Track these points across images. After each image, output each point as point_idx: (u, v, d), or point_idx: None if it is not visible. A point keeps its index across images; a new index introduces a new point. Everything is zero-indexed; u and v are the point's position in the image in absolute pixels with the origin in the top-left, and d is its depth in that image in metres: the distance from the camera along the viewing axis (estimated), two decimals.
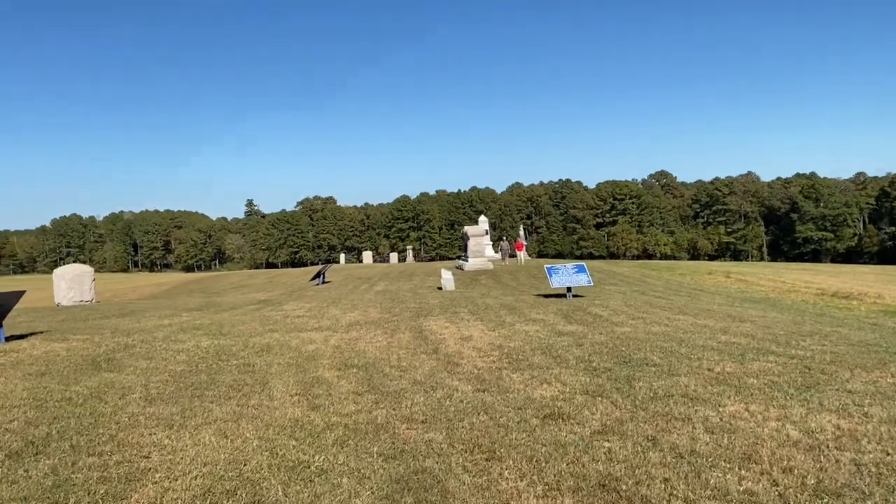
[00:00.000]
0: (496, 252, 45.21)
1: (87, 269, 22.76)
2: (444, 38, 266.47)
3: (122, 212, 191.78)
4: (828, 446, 5.45)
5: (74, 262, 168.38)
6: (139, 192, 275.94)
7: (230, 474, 4.95)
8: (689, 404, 6.86)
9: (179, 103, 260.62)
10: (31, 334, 12.52)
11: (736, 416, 6.39)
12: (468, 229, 34.95)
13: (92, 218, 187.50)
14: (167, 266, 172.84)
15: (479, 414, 6.60)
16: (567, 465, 5.15)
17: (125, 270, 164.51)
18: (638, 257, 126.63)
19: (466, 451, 5.48)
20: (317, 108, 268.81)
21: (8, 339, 11.50)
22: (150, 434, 5.90)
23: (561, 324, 13.17)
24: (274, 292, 27.63)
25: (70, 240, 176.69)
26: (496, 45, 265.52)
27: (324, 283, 30.27)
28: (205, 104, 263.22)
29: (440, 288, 24.04)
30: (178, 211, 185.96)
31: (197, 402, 7.09)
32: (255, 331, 13.18)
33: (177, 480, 4.80)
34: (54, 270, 22.67)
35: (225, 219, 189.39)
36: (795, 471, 4.93)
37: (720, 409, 6.63)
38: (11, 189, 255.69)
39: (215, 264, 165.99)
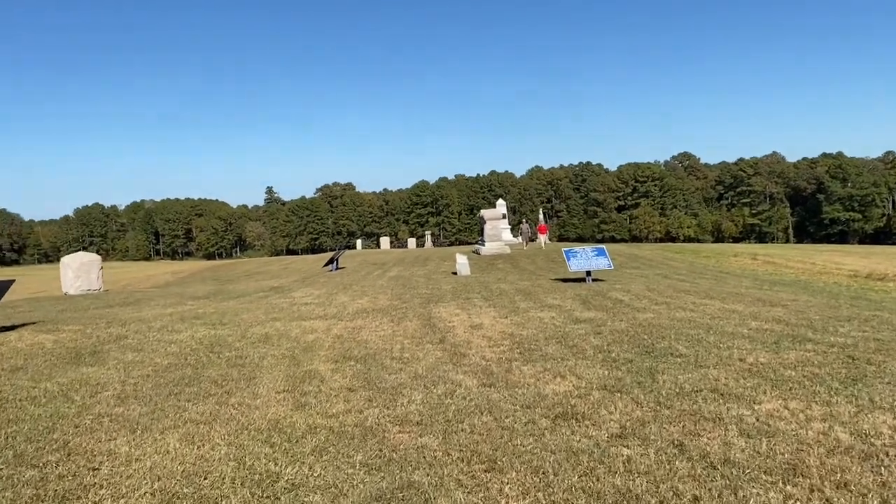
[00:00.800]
0: (516, 236, 43.45)
1: (94, 258, 22.29)
2: (461, 18, 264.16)
3: (143, 201, 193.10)
4: (887, 454, 4.64)
5: (97, 251, 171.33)
6: (160, 180, 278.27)
7: (186, 490, 4.27)
8: (720, 401, 6.08)
9: (198, 91, 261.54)
10: (24, 325, 12.00)
11: (774, 416, 5.59)
12: (485, 213, 34.09)
13: (114, 207, 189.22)
14: (188, 254, 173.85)
15: (482, 414, 5.87)
16: (579, 478, 4.40)
17: (147, 259, 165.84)
18: (661, 240, 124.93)
19: (463, 461, 4.74)
20: (335, 94, 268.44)
21: None
22: (108, 440, 5.24)
23: (578, 310, 12.38)
24: (287, 279, 27.10)
25: (93, 229, 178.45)
26: (515, 25, 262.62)
27: (337, 269, 29.69)
28: (224, 92, 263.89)
29: (455, 273, 23.33)
30: (199, 199, 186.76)
31: (172, 401, 6.44)
32: (256, 319, 12.56)
33: (120, 500, 4.12)
34: (61, 259, 22.27)
35: (245, 206, 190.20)
36: (852, 486, 4.14)
37: (755, 408, 5.84)
38: (35, 180, 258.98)
39: (236, 252, 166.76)
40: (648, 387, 6.68)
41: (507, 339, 9.64)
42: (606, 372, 7.35)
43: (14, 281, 11.51)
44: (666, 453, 4.77)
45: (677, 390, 6.52)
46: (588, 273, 18.67)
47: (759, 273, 30.82)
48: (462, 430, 5.42)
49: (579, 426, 5.50)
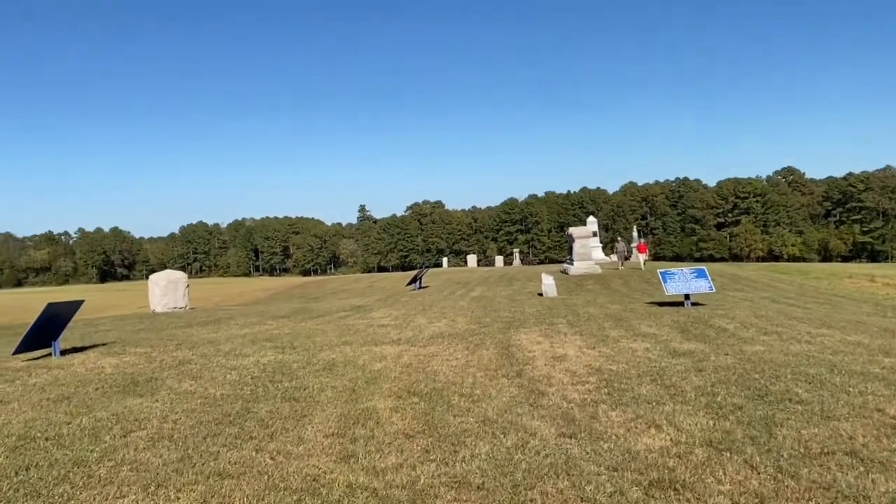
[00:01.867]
0: (610, 255, 41.30)
1: (180, 276, 22.61)
2: (556, 31, 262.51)
3: (244, 219, 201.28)
4: None
5: (200, 267, 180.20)
6: (260, 199, 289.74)
7: None
8: (861, 470, 4.81)
9: (294, 111, 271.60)
10: (94, 346, 11.87)
11: None
12: (573, 230, 32.63)
13: (216, 225, 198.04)
14: (286, 270, 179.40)
15: (557, 477, 4.84)
16: None
17: (247, 275, 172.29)
18: (762, 259, 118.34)
19: None
20: (426, 113, 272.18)
21: (64, 352, 10.82)
22: (116, 498, 4.56)
23: (677, 340, 11.06)
24: (370, 298, 26.72)
25: (197, 246, 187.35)
26: (607, 37, 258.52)
27: (420, 288, 29.10)
28: (319, 111, 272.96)
29: (541, 294, 22.16)
30: (296, 217, 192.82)
31: (206, 445, 5.74)
32: (328, 343, 11.93)
33: None
34: (150, 277, 22.70)
35: (340, 224, 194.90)
36: None
37: None
38: (145, 199, 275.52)
39: (330, 269, 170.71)
40: (765, 444, 5.45)
41: (593, 374, 8.51)
42: (711, 422, 6.14)
43: (83, 301, 11.36)
44: None
45: (802, 451, 5.27)
46: (686, 296, 17.15)
47: (880, 297, 27.95)
48: (531, 501, 4.40)
49: (679, 500, 4.37)
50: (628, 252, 36.38)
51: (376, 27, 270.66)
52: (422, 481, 4.83)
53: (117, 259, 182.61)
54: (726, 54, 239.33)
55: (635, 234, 55.64)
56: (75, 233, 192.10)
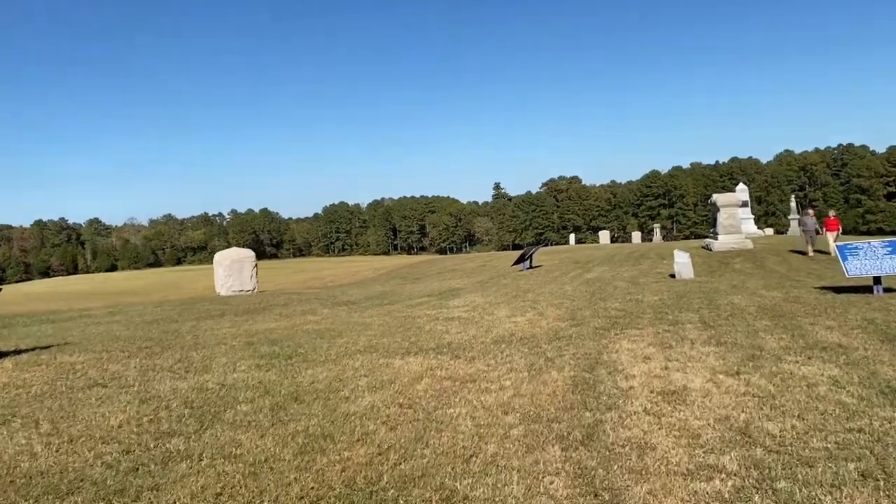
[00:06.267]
0: (799, 229, 27.46)
1: (247, 254, 19.99)
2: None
3: (383, 199, 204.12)
4: None
5: (342, 246, 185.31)
6: (398, 179, 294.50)
7: None
8: None
9: (432, 92, 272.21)
10: (35, 350, 9.18)
11: None
12: (717, 197, 26.94)
13: (357, 205, 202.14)
14: (423, 249, 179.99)
15: None
16: None
17: (386, 253, 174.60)
18: None
19: None
20: (560, 87, 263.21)
21: None
22: None
23: (883, 358, 6.57)
24: (471, 279, 23.10)
25: (339, 226, 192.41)
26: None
27: (530, 268, 25.06)
28: (451, 95, 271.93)
29: (673, 276, 17.55)
30: (433, 196, 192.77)
31: None
32: (346, 350, 8.49)
33: None
34: (215, 256, 20.40)
35: (476, 202, 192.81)
36: None
37: None
38: (292, 180, 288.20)
39: (465, 247, 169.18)
40: None
41: (733, 445, 4.40)
42: None
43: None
44: None
45: None
46: (877, 280, 12.24)
47: None
48: None
49: None
50: (817, 228, 24.33)
51: (513, 6, 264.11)
52: None
53: (266, 238, 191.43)
54: (883, 9, 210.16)
55: (793, 204, 47.99)
56: (228, 214, 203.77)
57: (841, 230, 24.52)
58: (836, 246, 14.29)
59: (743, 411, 5.07)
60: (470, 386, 6.30)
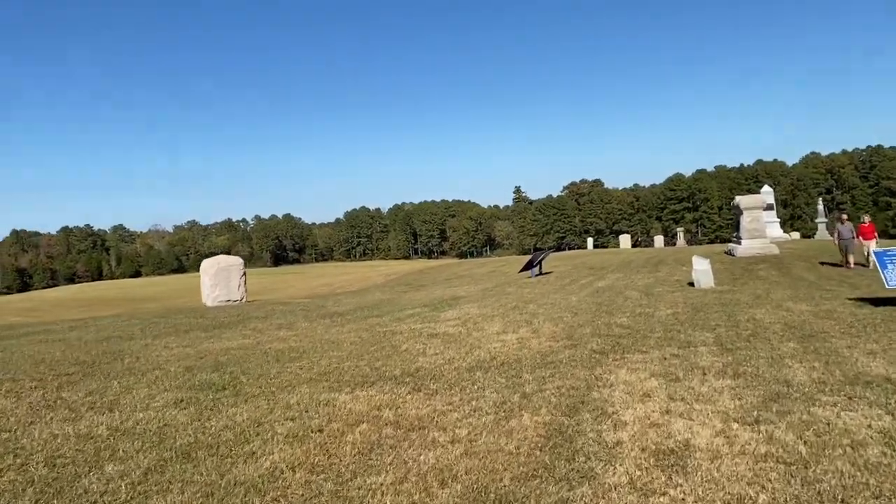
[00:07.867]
0: (832, 237, 21.92)
1: (234, 262, 18.80)
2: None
3: (403, 203, 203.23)
4: None
5: (363, 251, 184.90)
6: (419, 184, 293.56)
7: None
8: None
9: (453, 100, 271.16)
10: None
11: None
12: (741, 199, 25.17)
13: (378, 210, 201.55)
14: (443, 253, 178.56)
15: None
16: None
17: (406, 258, 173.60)
18: None
19: None
20: (580, 90, 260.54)
21: None
22: None
23: None
24: (477, 286, 21.74)
25: (360, 230, 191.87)
26: None
27: (539, 274, 23.58)
28: (472, 100, 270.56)
29: (691, 284, 16.04)
30: (453, 201, 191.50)
31: None
32: (291, 380, 7.22)
33: None
34: (201, 264, 19.27)
35: (497, 206, 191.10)
36: None
37: None
38: (313, 187, 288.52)
39: (486, 250, 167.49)
40: None
41: None
42: None
43: None
44: None
45: None
46: None
47: None
48: None
49: None
50: (852, 236, 20.68)
51: (532, 10, 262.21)
52: None
53: (289, 244, 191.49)
54: None
55: (820, 207, 45.83)
56: (252, 220, 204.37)
57: (877, 236, 21.20)
58: (874, 252, 12.73)
59: (763, 489, 3.69)
60: (414, 437, 4.99)
